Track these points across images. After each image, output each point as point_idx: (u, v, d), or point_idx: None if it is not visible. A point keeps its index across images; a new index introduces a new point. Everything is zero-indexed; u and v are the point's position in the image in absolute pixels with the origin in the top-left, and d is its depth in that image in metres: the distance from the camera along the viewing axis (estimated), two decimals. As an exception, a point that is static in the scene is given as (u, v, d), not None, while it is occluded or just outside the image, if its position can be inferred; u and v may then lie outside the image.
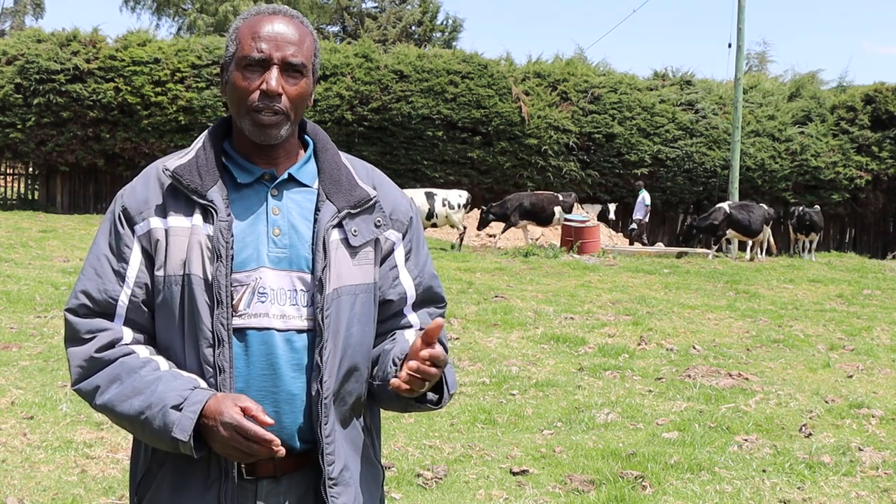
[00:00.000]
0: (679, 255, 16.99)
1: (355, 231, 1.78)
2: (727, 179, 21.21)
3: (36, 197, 22.65)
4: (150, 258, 1.74)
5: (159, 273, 1.73)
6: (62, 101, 20.81)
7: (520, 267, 13.88)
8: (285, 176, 1.79)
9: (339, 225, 1.77)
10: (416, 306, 1.89)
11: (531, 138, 22.06)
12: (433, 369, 1.65)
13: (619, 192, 22.49)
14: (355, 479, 1.79)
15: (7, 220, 17.03)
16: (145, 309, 1.75)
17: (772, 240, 17.83)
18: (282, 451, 1.61)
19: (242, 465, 1.73)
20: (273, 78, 1.71)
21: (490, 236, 19.46)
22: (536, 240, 18.80)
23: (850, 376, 7.20)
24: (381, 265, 1.83)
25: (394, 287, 1.85)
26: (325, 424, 1.73)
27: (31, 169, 22.97)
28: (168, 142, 20.94)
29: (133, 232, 1.75)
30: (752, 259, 17.31)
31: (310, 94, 1.79)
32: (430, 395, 1.76)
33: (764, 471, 4.81)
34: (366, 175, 1.88)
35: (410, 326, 1.87)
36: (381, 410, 1.96)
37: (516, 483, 4.55)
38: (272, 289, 1.73)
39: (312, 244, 1.76)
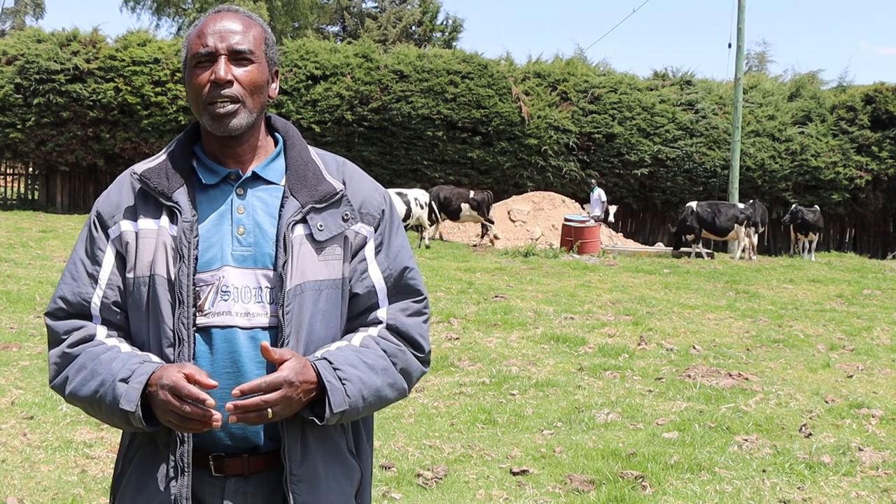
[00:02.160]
0: (677, 256, 17.03)
1: (321, 226, 1.77)
2: (727, 179, 21.22)
3: (36, 197, 22.66)
4: (122, 260, 1.78)
5: (129, 275, 1.76)
6: (62, 101, 20.82)
7: (520, 267, 13.88)
8: (249, 174, 1.80)
9: (304, 220, 1.77)
10: (391, 298, 1.85)
11: (531, 138, 22.07)
12: (248, 401, 1.60)
13: (620, 193, 22.50)
14: (324, 477, 1.76)
15: (7, 220, 17.04)
16: (117, 310, 1.78)
17: (747, 239, 17.81)
18: (217, 416, 1.59)
19: (211, 462, 1.74)
20: (221, 67, 1.72)
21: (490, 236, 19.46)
22: (536, 240, 18.80)
23: (850, 376, 7.20)
24: (351, 260, 1.82)
25: (361, 280, 1.83)
26: (288, 420, 1.71)
27: (31, 169, 22.99)
28: (168, 142, 20.89)
29: (107, 236, 1.79)
30: (742, 258, 17.29)
31: (266, 81, 1.80)
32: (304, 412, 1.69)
33: (764, 471, 4.81)
34: (336, 170, 1.87)
35: (379, 323, 1.83)
36: None
37: (516, 483, 4.55)
38: (235, 287, 1.74)
39: (276, 240, 1.76)
